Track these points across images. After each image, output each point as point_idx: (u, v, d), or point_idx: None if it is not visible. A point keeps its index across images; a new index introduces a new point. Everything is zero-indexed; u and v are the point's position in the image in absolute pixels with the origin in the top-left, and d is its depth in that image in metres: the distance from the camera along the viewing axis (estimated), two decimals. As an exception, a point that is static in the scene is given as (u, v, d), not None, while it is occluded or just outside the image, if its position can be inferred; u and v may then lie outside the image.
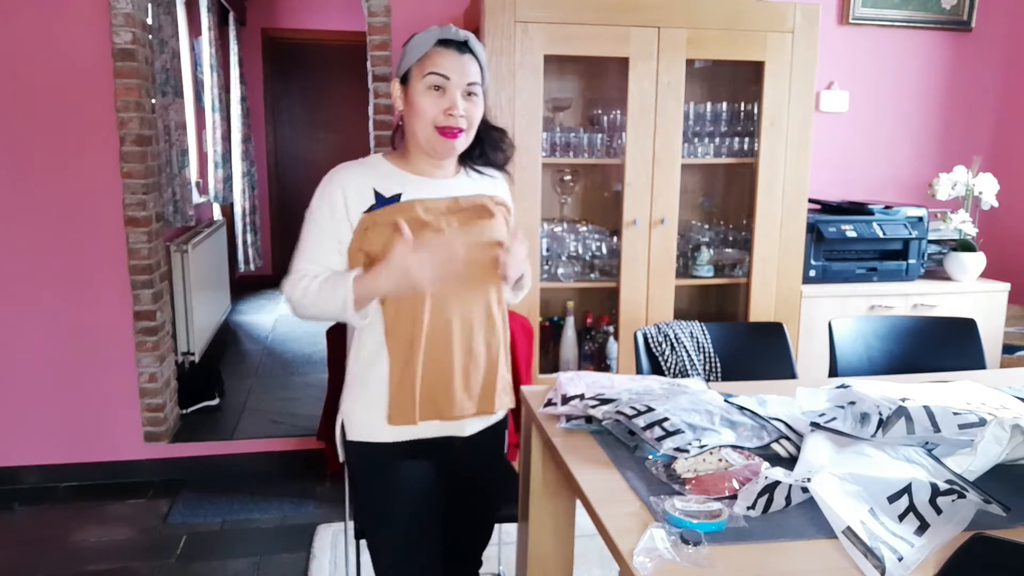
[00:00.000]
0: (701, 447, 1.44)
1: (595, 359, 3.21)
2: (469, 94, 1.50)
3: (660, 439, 1.47)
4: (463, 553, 1.81)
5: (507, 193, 1.69)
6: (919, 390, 1.54)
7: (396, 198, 1.52)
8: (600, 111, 3.09)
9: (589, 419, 1.64)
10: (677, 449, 1.44)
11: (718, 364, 2.32)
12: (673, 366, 2.29)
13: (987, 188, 3.27)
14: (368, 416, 1.57)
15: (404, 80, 1.52)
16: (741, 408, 1.64)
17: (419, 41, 1.49)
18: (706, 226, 3.25)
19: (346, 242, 1.53)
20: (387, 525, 1.62)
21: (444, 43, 1.49)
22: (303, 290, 1.52)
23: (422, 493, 1.60)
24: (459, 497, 1.70)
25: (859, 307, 3.18)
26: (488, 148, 1.62)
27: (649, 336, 2.33)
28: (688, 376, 2.25)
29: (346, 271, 1.51)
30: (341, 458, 1.66)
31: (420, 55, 1.48)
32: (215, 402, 3.84)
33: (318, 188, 1.55)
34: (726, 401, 1.66)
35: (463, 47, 1.50)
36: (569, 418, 1.66)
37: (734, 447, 1.47)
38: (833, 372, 2.36)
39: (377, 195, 1.52)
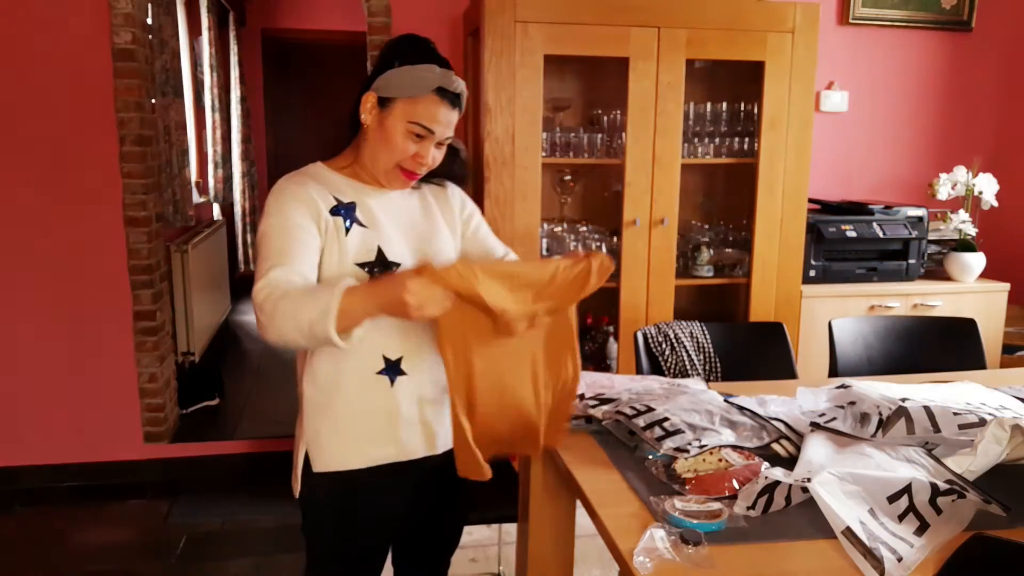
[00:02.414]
0: (701, 447, 1.44)
1: (595, 359, 3.20)
2: (440, 143, 1.48)
3: (660, 439, 1.47)
4: (433, 563, 1.78)
5: (462, 197, 1.66)
6: (919, 390, 1.54)
7: (352, 205, 1.46)
8: (600, 111, 3.09)
9: (589, 419, 1.64)
10: (677, 449, 1.44)
11: (718, 364, 2.32)
12: (673, 366, 2.29)
13: (987, 188, 3.27)
14: (342, 442, 1.49)
15: (383, 103, 1.43)
16: (741, 408, 1.64)
17: (417, 78, 1.41)
18: (706, 226, 3.25)
19: (319, 248, 1.41)
20: (351, 554, 1.57)
21: (441, 92, 1.41)
22: (281, 295, 1.30)
23: (393, 519, 1.59)
24: (427, 509, 1.66)
25: (859, 307, 3.18)
26: (441, 169, 1.55)
27: (649, 336, 2.33)
28: (688, 376, 2.25)
29: (327, 288, 1.32)
30: (296, 493, 1.55)
31: (414, 95, 1.41)
32: (215, 402, 3.83)
33: (271, 201, 1.43)
34: (726, 401, 1.66)
35: (455, 100, 1.44)
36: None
37: (734, 447, 1.47)
38: (833, 372, 2.36)
39: (336, 199, 1.46)
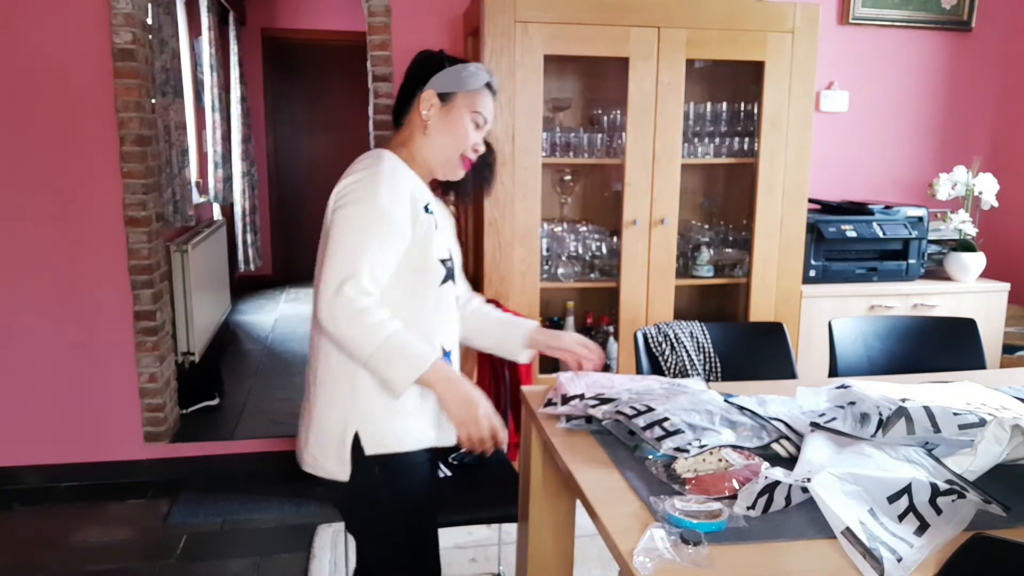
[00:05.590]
0: (701, 447, 1.44)
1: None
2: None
3: (660, 439, 1.47)
4: None
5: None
6: (919, 390, 1.54)
7: (427, 207, 1.57)
8: (600, 111, 3.09)
9: (589, 419, 1.64)
10: (677, 449, 1.44)
11: (718, 364, 2.32)
12: (673, 366, 2.29)
13: (987, 188, 3.27)
14: (399, 424, 1.54)
15: (444, 98, 1.58)
16: (741, 408, 1.64)
17: (471, 73, 1.59)
18: (706, 226, 3.25)
19: (402, 251, 1.50)
20: (425, 534, 1.65)
21: (489, 87, 1.62)
22: (373, 325, 1.40)
23: (433, 499, 1.66)
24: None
25: (859, 307, 3.18)
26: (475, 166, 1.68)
27: (649, 336, 2.33)
28: (688, 376, 2.25)
29: (424, 348, 1.44)
30: (346, 476, 1.53)
31: (471, 88, 1.58)
32: (215, 402, 3.83)
33: (376, 177, 1.47)
34: (726, 401, 1.66)
35: (495, 94, 1.65)
36: (569, 418, 1.66)
37: (734, 447, 1.47)
38: (833, 372, 2.36)
39: (424, 195, 1.58)
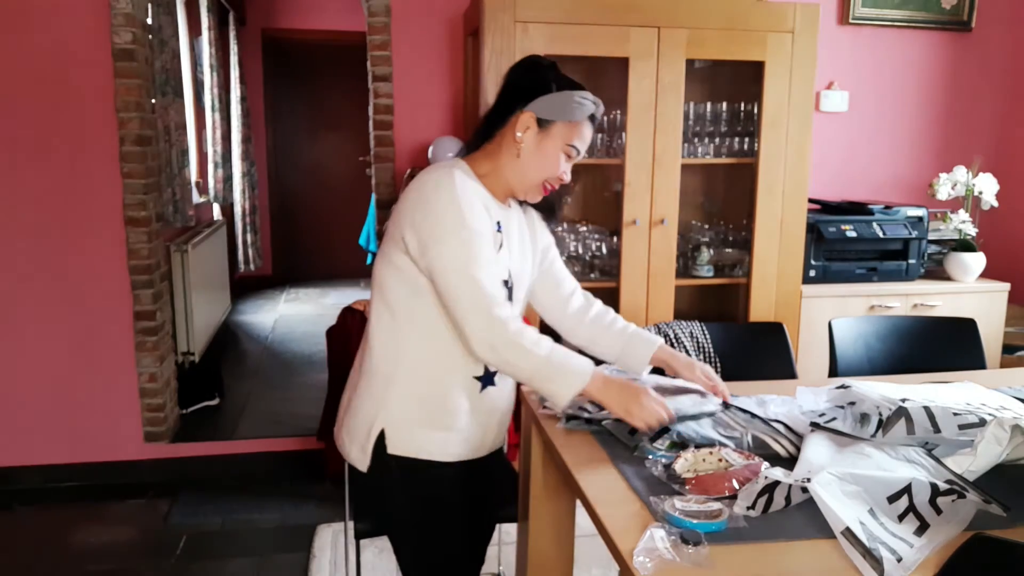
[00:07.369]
0: (700, 444, 1.45)
1: (595, 359, 3.20)
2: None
3: (660, 438, 1.47)
4: (480, 555, 1.84)
5: (543, 225, 1.77)
6: (919, 390, 1.54)
7: (498, 225, 1.55)
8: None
9: (589, 419, 1.64)
10: (676, 446, 1.44)
11: (718, 364, 2.32)
12: (673, 366, 2.28)
13: (987, 188, 3.27)
14: (424, 433, 1.56)
15: (542, 124, 1.53)
16: (741, 408, 1.64)
17: (577, 104, 1.53)
18: (706, 226, 3.25)
19: None
20: (447, 544, 1.64)
21: (591, 119, 1.57)
22: (530, 346, 1.44)
23: (455, 505, 1.64)
24: (486, 503, 1.77)
25: (859, 307, 3.18)
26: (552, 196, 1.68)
27: (649, 336, 2.32)
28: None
29: (580, 363, 1.49)
30: (364, 467, 1.59)
31: (574, 119, 1.53)
32: (215, 402, 3.83)
33: (456, 202, 1.46)
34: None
35: (594, 126, 1.60)
36: (569, 418, 1.66)
37: (734, 448, 1.47)
38: (833, 372, 2.36)
39: (492, 213, 1.55)
